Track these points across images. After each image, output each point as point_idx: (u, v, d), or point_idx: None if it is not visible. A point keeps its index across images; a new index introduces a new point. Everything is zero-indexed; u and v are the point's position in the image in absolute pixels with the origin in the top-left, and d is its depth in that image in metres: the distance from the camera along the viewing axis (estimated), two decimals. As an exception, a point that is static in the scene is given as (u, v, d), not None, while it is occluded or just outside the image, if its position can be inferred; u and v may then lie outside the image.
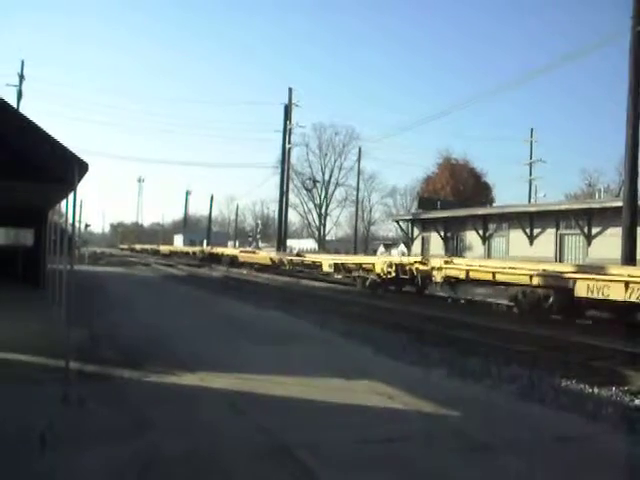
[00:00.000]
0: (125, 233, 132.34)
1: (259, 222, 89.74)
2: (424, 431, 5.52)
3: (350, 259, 30.09)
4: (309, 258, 34.34)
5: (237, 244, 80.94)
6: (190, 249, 69.15)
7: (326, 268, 29.44)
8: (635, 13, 19.89)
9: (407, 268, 22.62)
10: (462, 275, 19.98)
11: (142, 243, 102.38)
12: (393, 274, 23.10)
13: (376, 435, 5.34)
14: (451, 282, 20.72)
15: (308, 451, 4.78)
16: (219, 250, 55.51)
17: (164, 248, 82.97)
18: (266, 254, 43.43)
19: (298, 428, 5.45)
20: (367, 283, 25.08)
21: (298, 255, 36.88)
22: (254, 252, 48.26)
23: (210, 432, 5.27)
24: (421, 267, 21.88)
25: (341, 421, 5.75)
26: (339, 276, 29.39)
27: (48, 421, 5.24)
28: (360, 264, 26.35)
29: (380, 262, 24.46)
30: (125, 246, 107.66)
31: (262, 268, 41.17)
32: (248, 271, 41.58)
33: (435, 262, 21.41)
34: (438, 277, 20.75)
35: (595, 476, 4.72)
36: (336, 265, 28.43)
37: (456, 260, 21.83)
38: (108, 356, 8.28)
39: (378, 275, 24.09)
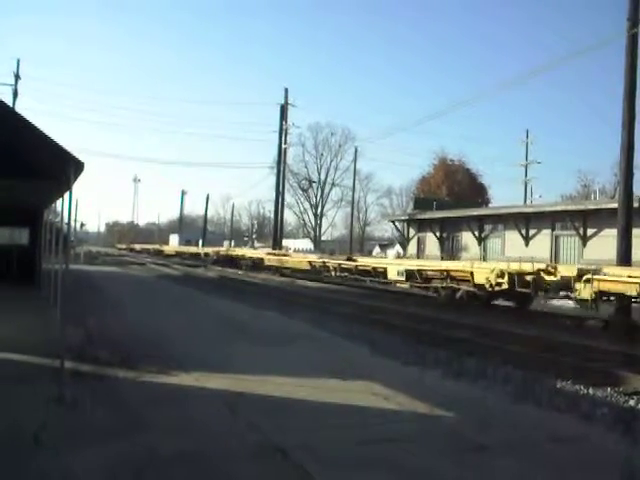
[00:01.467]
0: (123, 232, 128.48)
1: (255, 222, 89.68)
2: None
3: (432, 265, 24.58)
4: (366, 263, 28.49)
5: (233, 244, 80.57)
6: (201, 250, 59.68)
7: (393, 276, 24.24)
8: (630, 15, 19.94)
9: (529, 279, 17.61)
10: (633, 291, 14.66)
11: (138, 243, 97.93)
12: (506, 286, 18.05)
13: (372, 435, 5.33)
14: (597, 298, 15.58)
15: (303, 451, 4.77)
16: (238, 252, 47.79)
17: (169, 248, 75.90)
18: (302, 257, 36.93)
19: (294, 428, 5.44)
20: (458, 295, 20.17)
21: (349, 259, 30.47)
22: (286, 254, 40.72)
23: (205, 433, 5.26)
24: (547, 277, 17.36)
25: (337, 422, 5.75)
26: (405, 285, 24.44)
27: (42, 421, 5.23)
28: (447, 271, 21.31)
29: (484, 270, 19.30)
30: (123, 246, 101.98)
31: (292, 273, 35.50)
32: (274, 275, 36.02)
33: (569, 271, 16.70)
34: (584, 292, 15.63)
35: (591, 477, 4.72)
36: (408, 272, 23.21)
37: (607, 269, 16.54)
38: (103, 356, 8.25)
39: (477, 286, 19.33)
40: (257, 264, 39.25)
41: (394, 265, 25.55)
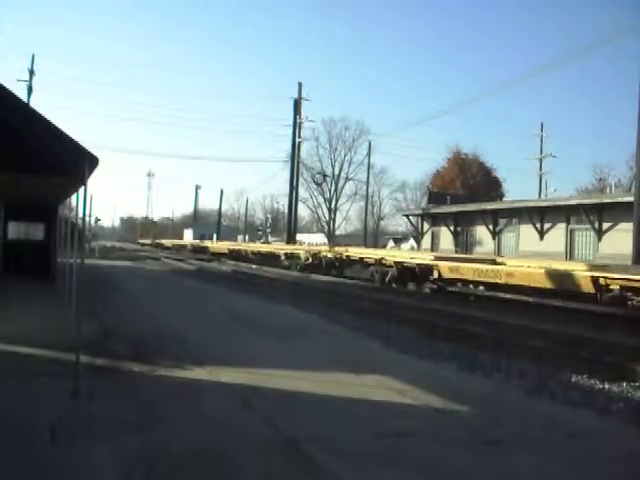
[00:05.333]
0: (145, 226, 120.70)
1: (269, 216, 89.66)
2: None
3: None
4: None
5: (247, 238, 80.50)
6: (279, 248, 40.11)
7: None
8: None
9: None
10: None
11: (166, 238, 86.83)
12: None
13: (386, 430, 5.31)
14: None
15: (317, 445, 4.78)
16: (364, 253, 27.83)
17: (218, 246, 54.57)
18: (541, 265, 18.06)
19: (307, 422, 5.45)
20: None
21: None
22: (495, 260, 21.76)
23: (219, 426, 5.28)
24: None
25: (351, 415, 5.75)
26: None
27: (58, 414, 5.27)
28: None
29: None
30: (147, 241, 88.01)
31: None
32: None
33: None
34: None
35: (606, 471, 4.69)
36: None
37: None
38: (118, 350, 8.31)
39: None
40: (407, 274, 22.53)
41: None
